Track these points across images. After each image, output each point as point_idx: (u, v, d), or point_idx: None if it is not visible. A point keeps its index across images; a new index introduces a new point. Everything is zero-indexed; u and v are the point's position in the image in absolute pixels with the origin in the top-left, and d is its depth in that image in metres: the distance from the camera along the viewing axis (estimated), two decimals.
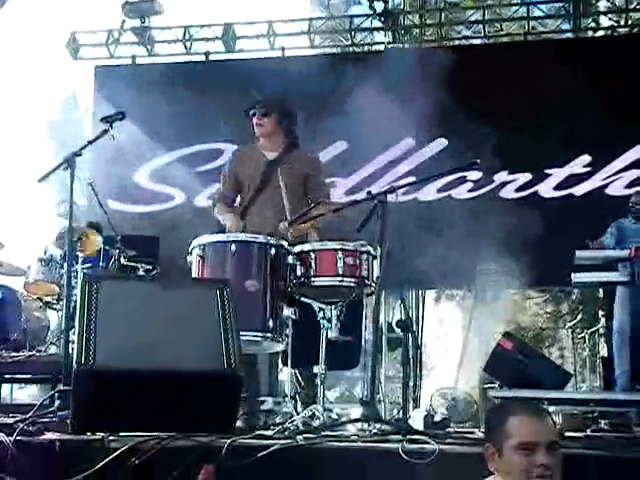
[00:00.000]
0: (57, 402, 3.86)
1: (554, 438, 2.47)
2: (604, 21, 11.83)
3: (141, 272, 7.29)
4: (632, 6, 10.73)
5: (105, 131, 4.79)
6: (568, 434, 6.41)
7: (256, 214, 5.03)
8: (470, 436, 3.72)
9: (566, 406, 7.17)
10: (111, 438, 3.08)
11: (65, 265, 5.98)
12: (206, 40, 11.32)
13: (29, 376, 6.39)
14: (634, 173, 9.32)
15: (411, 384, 7.46)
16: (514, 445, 2.43)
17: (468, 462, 2.71)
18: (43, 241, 8.04)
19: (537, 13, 10.94)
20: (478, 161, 4.34)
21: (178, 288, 3.67)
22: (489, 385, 7.40)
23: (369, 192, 4.35)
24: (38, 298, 7.46)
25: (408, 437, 3.15)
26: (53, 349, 6.84)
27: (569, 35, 11.13)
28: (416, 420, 5.75)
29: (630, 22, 10.78)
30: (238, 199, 5.31)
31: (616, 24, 10.98)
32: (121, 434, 3.13)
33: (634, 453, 3.15)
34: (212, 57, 11.26)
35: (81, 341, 3.23)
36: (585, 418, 7.44)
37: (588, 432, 6.91)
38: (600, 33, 11.65)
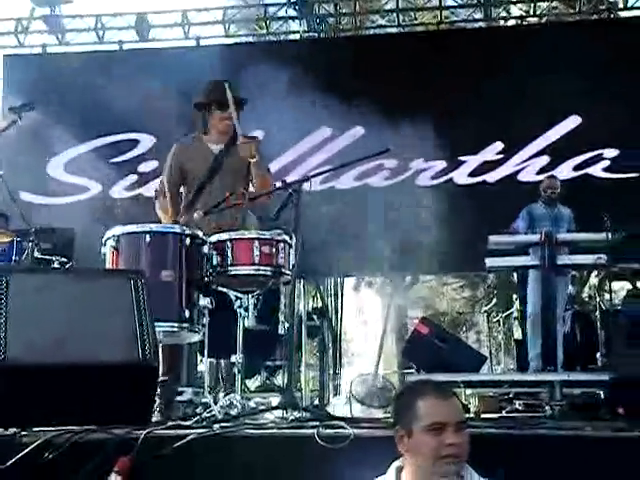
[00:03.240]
0: None
1: (461, 418, 2.53)
2: (514, 10, 12.09)
3: (56, 265, 7.16)
4: None
5: (14, 122, 4.71)
6: (484, 415, 6.60)
7: (203, 207, 4.94)
8: (387, 420, 3.77)
9: (482, 388, 7.36)
10: (23, 433, 3.03)
11: None
12: (119, 29, 11.16)
13: None
14: (544, 159, 9.57)
15: (330, 372, 7.50)
16: (423, 426, 2.48)
17: (383, 445, 2.74)
18: None
19: (450, 2, 11.10)
20: (390, 148, 4.38)
21: (91, 280, 3.62)
22: (407, 370, 7.53)
23: (283, 181, 4.38)
24: None
25: (324, 423, 3.18)
26: None
27: (481, 24, 11.32)
28: (336, 407, 5.81)
29: (539, 12, 11.02)
30: (182, 190, 5.23)
31: (525, 14, 11.22)
32: (34, 429, 3.08)
33: (544, 430, 3.24)
34: (125, 47, 11.10)
35: None
36: (501, 400, 7.65)
37: (503, 413, 7.11)
38: (511, 22, 11.91)
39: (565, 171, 9.31)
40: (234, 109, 5.00)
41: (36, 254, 7.02)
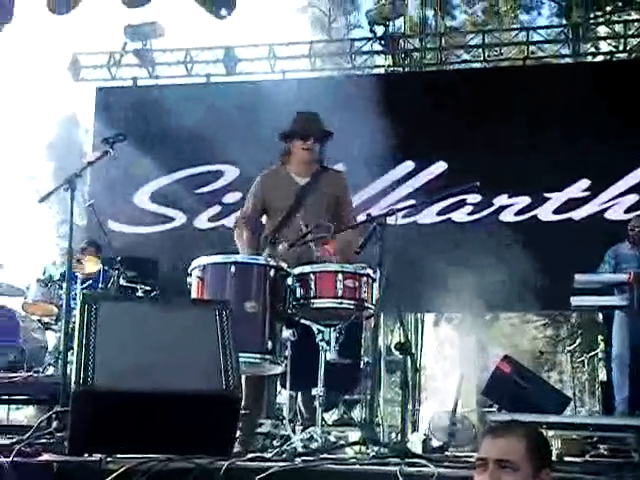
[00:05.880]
0: (54, 423, 3.86)
1: (505, 457, 2.40)
2: (603, 46, 11.90)
3: (140, 293, 7.30)
4: (630, 32, 10.77)
5: (106, 152, 4.81)
6: (567, 459, 6.41)
7: (285, 240, 4.92)
8: (468, 460, 3.70)
9: (565, 430, 7.15)
10: (108, 460, 3.07)
11: (64, 286, 5.98)
12: (207, 63, 11.37)
13: (27, 397, 6.36)
14: (633, 197, 9.33)
15: (410, 407, 7.42)
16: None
17: None
18: (42, 262, 8.07)
19: (536, 38, 11.00)
20: (477, 183, 4.34)
21: (177, 309, 3.67)
22: (488, 409, 7.38)
23: (368, 214, 4.37)
24: (37, 319, 7.46)
25: (406, 460, 3.14)
26: (51, 370, 6.84)
27: (568, 60, 11.18)
28: (415, 443, 5.73)
29: (629, 47, 10.83)
30: (263, 220, 5.22)
31: (615, 49, 11.04)
32: (118, 456, 3.12)
33: (631, 478, 3.13)
34: (213, 79, 11.31)
35: (79, 362, 3.22)
36: (584, 443, 7.42)
37: (587, 457, 6.89)
38: (599, 58, 11.72)
39: None
40: (315, 140, 5.02)
41: (121, 282, 7.17)
